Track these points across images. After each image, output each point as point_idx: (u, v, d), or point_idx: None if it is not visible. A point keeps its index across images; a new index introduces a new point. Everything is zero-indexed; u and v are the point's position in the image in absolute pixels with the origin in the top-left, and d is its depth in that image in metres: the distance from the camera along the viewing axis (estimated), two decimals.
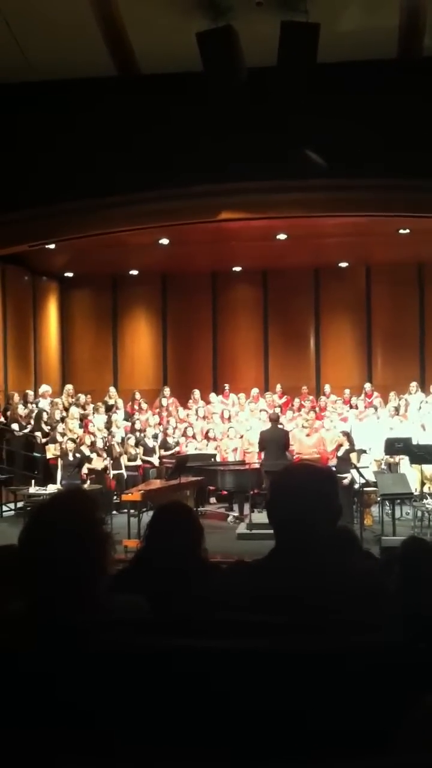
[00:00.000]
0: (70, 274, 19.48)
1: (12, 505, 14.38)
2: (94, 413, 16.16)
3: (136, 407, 17.11)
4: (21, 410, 15.43)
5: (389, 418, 15.33)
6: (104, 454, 14.38)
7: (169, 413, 16.91)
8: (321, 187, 10.61)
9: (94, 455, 14.10)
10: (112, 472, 14.42)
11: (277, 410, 15.40)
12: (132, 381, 19.03)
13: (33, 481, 13.51)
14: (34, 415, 15.50)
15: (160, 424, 16.33)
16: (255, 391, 17.58)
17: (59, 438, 14.14)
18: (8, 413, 15.38)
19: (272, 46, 8.60)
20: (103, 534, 2.18)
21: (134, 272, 19.45)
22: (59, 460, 13.67)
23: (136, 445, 15.22)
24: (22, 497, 13.42)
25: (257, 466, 13.59)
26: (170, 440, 15.60)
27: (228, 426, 15.85)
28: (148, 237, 15.00)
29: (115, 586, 2.52)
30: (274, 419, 13.83)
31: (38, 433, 15.08)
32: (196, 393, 17.52)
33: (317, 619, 2.08)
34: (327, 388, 17.84)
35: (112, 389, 17.65)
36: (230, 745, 1.79)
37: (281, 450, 13.12)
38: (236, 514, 13.80)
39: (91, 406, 16.55)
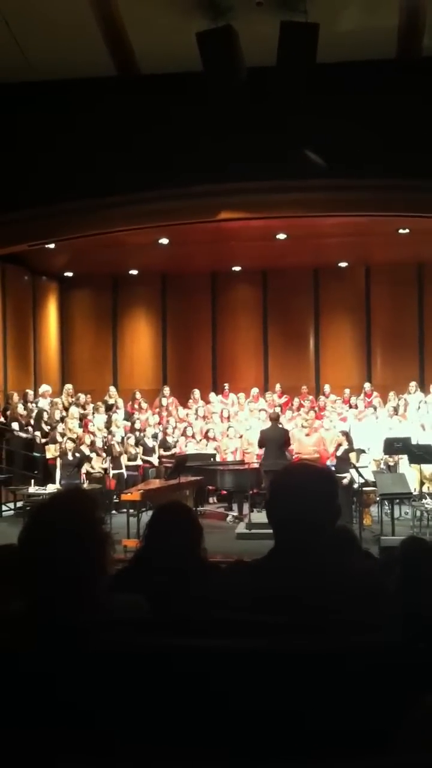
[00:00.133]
0: (69, 274, 19.49)
1: (12, 505, 14.39)
2: (94, 413, 16.17)
3: (136, 407, 17.11)
4: (21, 410, 15.43)
5: (388, 418, 15.34)
6: (104, 454, 14.39)
7: (168, 413, 16.91)
8: (320, 187, 10.61)
9: (93, 455, 14.11)
10: (112, 472, 14.44)
11: (277, 409, 15.40)
12: (131, 381, 19.03)
13: (32, 480, 13.52)
14: (34, 414, 15.51)
15: (159, 423, 16.34)
16: (255, 390, 17.58)
17: (59, 438, 14.14)
18: (8, 413, 15.37)
19: (272, 46, 8.60)
20: (102, 534, 2.18)
21: (134, 272, 19.45)
22: (58, 459, 13.67)
23: (136, 444, 15.22)
24: (21, 497, 13.43)
25: (256, 465, 13.60)
26: (170, 440, 15.60)
27: (227, 425, 15.86)
28: (148, 237, 15.00)
29: (115, 585, 2.52)
30: (275, 418, 13.83)
31: (38, 433, 15.09)
32: (196, 392, 17.52)
33: (317, 619, 2.08)
34: (327, 387, 17.85)
35: (112, 389, 17.66)
36: (230, 745, 1.79)
37: (281, 449, 13.12)
38: (235, 513, 13.81)
39: (91, 405, 16.55)
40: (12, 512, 14.17)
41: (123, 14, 9.19)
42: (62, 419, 15.24)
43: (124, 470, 14.72)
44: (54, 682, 1.87)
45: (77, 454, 13.57)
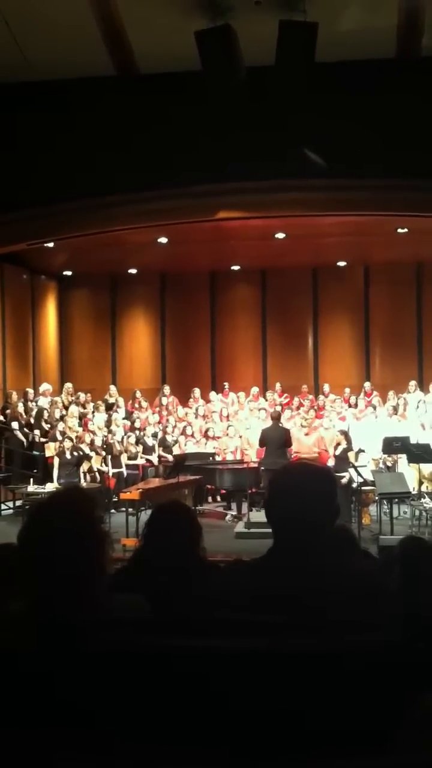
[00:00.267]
0: (68, 273, 19.49)
1: (11, 504, 14.39)
2: (94, 412, 16.17)
3: (136, 406, 17.12)
4: (21, 409, 15.43)
5: (388, 417, 15.34)
6: (103, 453, 14.40)
7: (169, 412, 16.92)
8: (320, 186, 10.60)
9: (93, 453, 14.11)
10: (112, 471, 14.45)
11: (278, 408, 15.39)
12: (131, 380, 19.03)
13: (32, 479, 13.51)
14: (34, 413, 15.51)
15: (159, 422, 16.35)
16: (255, 389, 17.58)
17: (59, 437, 14.14)
18: (7, 412, 15.37)
19: (271, 46, 8.59)
20: (101, 533, 2.18)
21: (133, 271, 19.45)
22: (56, 458, 13.66)
23: (136, 443, 15.24)
24: (20, 496, 13.43)
25: (255, 464, 13.61)
26: (169, 438, 15.61)
27: (227, 424, 15.88)
28: (147, 236, 15.00)
29: (114, 585, 2.52)
30: (275, 417, 13.83)
31: (37, 432, 15.09)
32: (197, 392, 17.54)
33: (316, 619, 2.08)
34: (326, 387, 17.84)
35: (112, 388, 17.67)
36: (230, 745, 1.79)
37: (282, 448, 13.12)
38: (234, 512, 13.82)
39: (92, 404, 16.56)
40: (11, 511, 14.17)
41: (122, 14, 9.18)
42: (62, 418, 15.25)
43: (124, 469, 14.73)
44: (54, 682, 1.87)
45: (75, 453, 13.57)
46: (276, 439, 13.14)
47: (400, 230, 15.30)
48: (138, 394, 17.42)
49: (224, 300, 19.81)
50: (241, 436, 15.33)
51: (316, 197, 11.03)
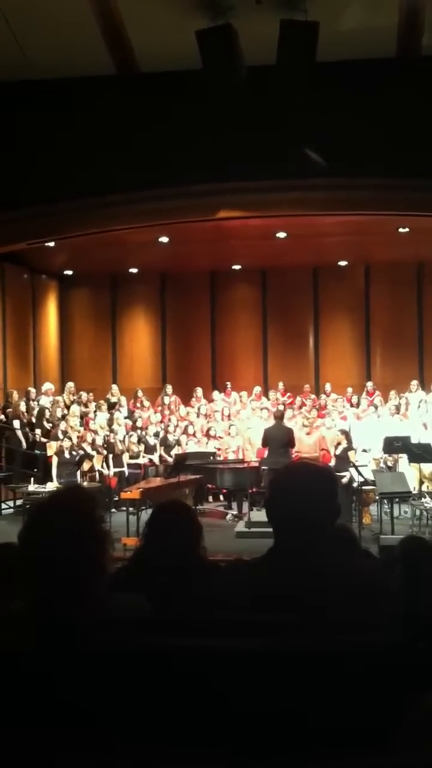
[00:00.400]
0: (69, 273, 19.49)
1: (11, 503, 14.39)
2: (96, 411, 16.18)
3: (138, 405, 17.12)
4: (23, 408, 15.44)
5: (390, 417, 15.34)
6: (104, 452, 14.41)
7: (171, 411, 16.92)
8: (320, 186, 10.60)
9: (94, 453, 14.12)
10: (114, 470, 14.46)
11: (281, 407, 15.39)
12: (131, 379, 19.03)
13: (32, 479, 13.51)
14: (35, 412, 15.51)
15: (162, 422, 16.35)
16: (257, 389, 17.58)
17: (60, 436, 14.14)
18: (8, 411, 15.38)
19: (272, 45, 8.59)
20: (102, 532, 2.18)
21: (133, 271, 19.45)
22: (54, 458, 13.63)
23: (138, 442, 15.25)
24: (21, 495, 13.42)
25: (256, 464, 13.61)
26: (171, 438, 15.61)
27: (229, 424, 15.88)
28: (148, 235, 15.00)
29: (115, 584, 2.52)
30: (279, 416, 13.83)
31: (38, 431, 15.10)
32: (199, 391, 17.55)
33: (316, 619, 2.08)
34: (328, 386, 17.82)
35: (114, 387, 17.66)
36: (230, 745, 1.79)
37: (284, 448, 13.12)
38: (235, 512, 13.82)
39: (94, 404, 16.56)
40: (11, 510, 14.17)
41: (122, 12, 9.18)
42: (64, 417, 15.25)
43: (125, 468, 14.74)
44: (54, 682, 1.87)
45: (74, 453, 13.57)
46: (279, 439, 13.14)
47: (401, 230, 15.30)
48: (140, 393, 17.43)
49: (225, 299, 19.81)
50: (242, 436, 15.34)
51: (317, 197, 11.02)
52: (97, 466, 14.15)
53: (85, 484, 12.87)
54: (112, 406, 16.65)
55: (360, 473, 11.65)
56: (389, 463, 13.43)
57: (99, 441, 14.59)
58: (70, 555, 2.05)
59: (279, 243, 16.42)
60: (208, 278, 19.80)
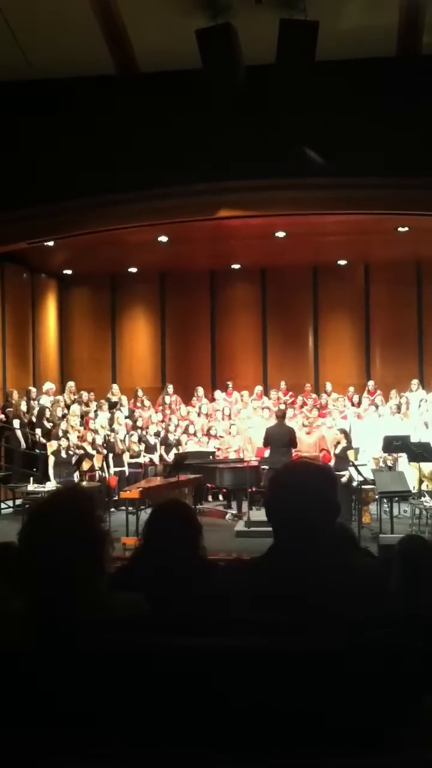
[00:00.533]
0: (69, 272, 19.50)
1: (11, 503, 14.39)
2: (97, 411, 16.18)
3: (138, 404, 17.12)
4: (24, 407, 15.44)
5: (391, 416, 15.34)
6: (104, 451, 14.41)
7: (172, 411, 16.93)
8: (320, 185, 10.60)
9: (95, 452, 14.12)
10: (114, 469, 14.47)
11: (282, 407, 15.39)
12: (131, 379, 19.03)
13: (31, 478, 13.51)
14: (36, 412, 15.51)
15: (163, 421, 16.36)
16: (259, 388, 17.58)
17: (61, 435, 14.14)
18: (8, 410, 15.38)
19: (271, 44, 8.59)
20: (101, 532, 2.18)
21: (133, 270, 19.45)
22: (51, 457, 13.58)
23: (138, 442, 15.26)
24: (20, 495, 13.42)
25: (255, 463, 13.61)
26: (171, 437, 15.61)
27: (229, 423, 15.89)
28: (148, 234, 15.00)
29: (114, 584, 2.52)
30: (280, 416, 13.82)
31: (38, 430, 15.10)
32: (200, 390, 17.56)
33: (316, 618, 2.08)
34: (329, 386, 17.80)
35: (115, 386, 17.66)
36: (230, 745, 1.79)
37: (286, 447, 13.12)
38: (234, 511, 13.82)
39: (95, 403, 16.57)
40: (11, 510, 14.18)
41: (123, 12, 9.18)
42: (64, 417, 15.25)
43: (126, 468, 14.74)
44: (54, 682, 1.87)
45: (71, 453, 13.56)
46: (280, 438, 13.14)
47: (400, 229, 15.30)
48: (140, 393, 17.43)
49: (224, 299, 19.81)
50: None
51: (317, 196, 11.03)
52: (98, 466, 14.14)
53: (84, 483, 12.87)
54: (113, 406, 16.65)
55: (359, 472, 11.65)
56: (389, 463, 13.43)
57: (99, 440, 14.59)
58: (70, 555, 2.05)
59: (278, 242, 16.42)
60: (208, 277, 19.80)
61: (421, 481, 13.24)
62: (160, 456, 15.35)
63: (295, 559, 2.32)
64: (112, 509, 12.97)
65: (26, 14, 8.94)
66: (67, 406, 15.94)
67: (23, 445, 14.98)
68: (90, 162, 10.31)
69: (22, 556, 2.14)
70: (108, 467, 14.50)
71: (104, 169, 10.34)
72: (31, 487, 12.60)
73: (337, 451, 12.85)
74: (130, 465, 14.87)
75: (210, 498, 15.36)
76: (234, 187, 10.71)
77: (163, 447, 15.48)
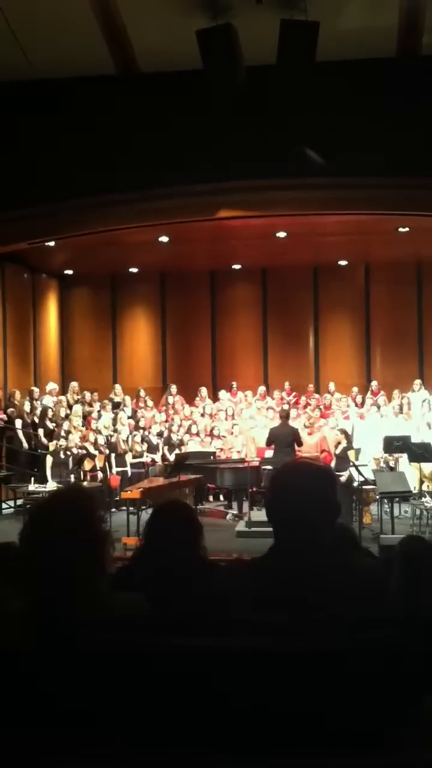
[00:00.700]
0: (69, 272, 19.50)
1: (12, 503, 14.39)
2: (100, 411, 16.18)
3: (141, 405, 17.13)
4: (27, 407, 15.44)
5: (394, 416, 15.34)
6: (107, 451, 14.42)
7: (175, 411, 16.93)
8: (320, 185, 10.61)
9: (97, 453, 14.12)
10: (116, 470, 14.47)
11: (285, 407, 15.39)
12: (132, 379, 19.03)
13: (32, 478, 13.50)
14: (38, 412, 15.51)
15: (166, 421, 16.36)
16: (262, 389, 17.59)
17: (63, 435, 14.13)
18: (9, 411, 15.38)
19: (272, 45, 8.60)
20: (102, 532, 2.18)
21: (134, 270, 19.45)
22: (48, 457, 13.56)
23: (141, 442, 15.26)
24: (21, 495, 13.42)
25: (256, 463, 13.61)
26: (174, 437, 15.62)
27: (232, 423, 15.89)
28: (148, 235, 15.00)
29: (115, 584, 2.52)
30: (284, 416, 13.83)
31: (41, 431, 15.10)
32: (203, 391, 17.58)
33: (317, 618, 2.08)
34: (332, 386, 17.78)
35: (117, 387, 17.65)
36: (230, 745, 1.79)
37: (289, 447, 13.12)
38: (235, 511, 13.82)
39: (98, 403, 16.57)
40: (12, 510, 14.18)
41: (123, 12, 9.19)
42: (67, 417, 15.25)
43: (128, 468, 14.74)
44: (54, 682, 1.87)
45: (68, 453, 13.54)
46: (284, 438, 13.14)
47: (401, 229, 15.30)
48: (142, 393, 17.44)
49: (225, 299, 19.81)
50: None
51: (317, 196, 11.04)
52: (99, 466, 14.14)
53: (85, 483, 12.87)
54: (116, 406, 16.66)
55: (360, 473, 11.64)
56: (391, 463, 13.42)
57: (101, 441, 14.59)
58: (71, 555, 2.05)
59: (279, 242, 16.42)
60: (208, 278, 19.80)
61: (421, 482, 13.23)
62: (163, 456, 15.35)
63: (296, 559, 2.32)
64: (113, 509, 12.97)
65: (26, 14, 8.94)
66: (70, 406, 15.94)
67: (25, 445, 14.98)
68: (90, 162, 10.31)
69: (23, 556, 2.14)
70: (110, 467, 14.49)
71: (105, 169, 10.35)
72: (32, 487, 12.60)
73: (338, 451, 12.85)
74: (132, 465, 14.88)
75: (211, 498, 15.36)
76: (234, 187, 10.71)
77: (166, 447, 15.48)
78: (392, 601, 2.90)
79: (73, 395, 16.80)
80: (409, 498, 12.13)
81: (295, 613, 2.10)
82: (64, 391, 17.31)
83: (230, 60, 8.70)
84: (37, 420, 15.42)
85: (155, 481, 13.04)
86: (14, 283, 17.25)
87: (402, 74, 9.96)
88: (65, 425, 14.55)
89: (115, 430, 15.17)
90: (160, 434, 15.73)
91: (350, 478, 11.88)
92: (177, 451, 15.08)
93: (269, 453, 13.64)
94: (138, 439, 15.24)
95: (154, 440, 15.48)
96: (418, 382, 16.87)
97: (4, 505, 14.33)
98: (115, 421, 15.64)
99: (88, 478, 13.51)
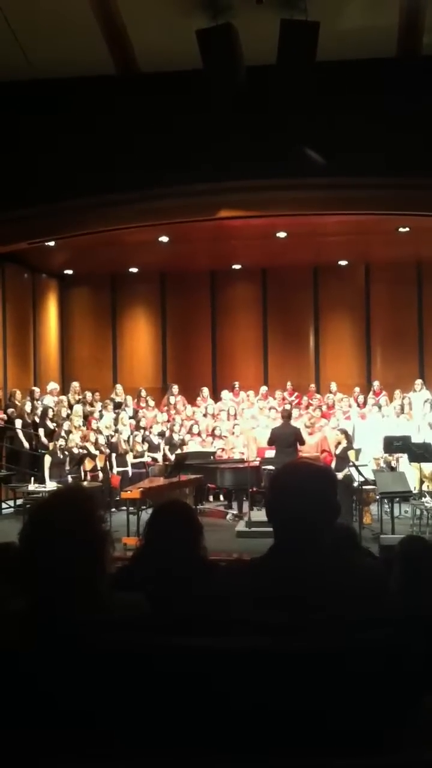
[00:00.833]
0: (69, 272, 19.50)
1: (11, 503, 14.39)
2: (102, 411, 16.18)
3: (142, 405, 17.13)
4: (28, 407, 15.44)
5: (395, 417, 15.33)
6: (107, 451, 14.41)
7: (177, 411, 16.94)
8: (320, 185, 10.61)
9: (97, 452, 14.12)
10: (117, 469, 14.47)
11: (287, 407, 15.38)
12: (132, 379, 19.03)
13: (33, 478, 13.49)
14: (39, 412, 15.51)
15: (168, 421, 16.37)
16: (264, 388, 17.59)
17: (64, 435, 14.13)
18: (10, 411, 15.38)
19: (272, 45, 8.60)
20: (102, 532, 2.18)
21: (134, 270, 19.45)
22: (47, 457, 13.54)
23: (142, 442, 15.26)
24: (21, 495, 13.42)
25: (256, 463, 13.61)
26: (176, 437, 15.62)
27: (233, 423, 15.89)
28: (148, 235, 15.00)
29: (115, 584, 2.52)
30: (286, 416, 13.82)
31: (41, 430, 15.09)
32: (205, 391, 17.58)
33: (317, 618, 2.08)
34: (333, 386, 17.76)
35: (119, 387, 17.65)
36: (230, 745, 1.79)
37: (291, 447, 13.11)
38: (235, 511, 13.82)
39: (100, 403, 16.57)
40: (12, 510, 14.18)
41: (123, 12, 9.19)
42: (68, 417, 15.25)
43: (129, 468, 14.74)
44: (54, 682, 1.87)
45: (66, 453, 13.53)
46: (285, 438, 13.14)
47: (401, 229, 15.30)
48: (143, 393, 17.44)
49: (225, 299, 19.81)
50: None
51: (317, 196, 11.04)
52: (100, 466, 14.14)
53: (85, 483, 12.86)
54: (117, 406, 16.66)
55: (360, 473, 11.64)
56: (393, 464, 13.42)
57: (102, 440, 14.59)
58: (70, 555, 2.05)
59: (279, 242, 16.42)
60: (209, 278, 19.80)
61: (421, 482, 13.22)
62: (164, 455, 15.35)
63: (296, 559, 2.32)
64: (113, 509, 12.96)
65: (27, 14, 8.94)
66: (71, 406, 15.94)
67: (26, 445, 14.98)
68: (90, 162, 10.31)
69: (23, 556, 2.14)
70: (111, 467, 14.49)
71: (105, 169, 10.35)
72: (32, 487, 12.59)
73: (338, 451, 12.85)
74: (133, 465, 14.88)
75: (212, 498, 15.36)
76: (234, 187, 10.72)
77: (167, 447, 15.48)
78: (392, 601, 2.90)
79: (74, 395, 16.80)
80: (409, 498, 12.12)
81: (295, 613, 2.10)
82: (64, 391, 17.31)
83: (230, 60, 8.70)
84: (37, 420, 15.42)
85: (155, 481, 13.03)
86: (14, 283, 17.25)
87: (402, 74, 9.96)
88: (65, 425, 14.55)
89: (116, 430, 15.17)
90: (161, 434, 15.73)
91: (349, 478, 11.87)
92: (179, 451, 15.09)
93: (269, 453, 13.63)
94: (139, 439, 15.24)
95: (155, 440, 15.49)
96: (419, 381, 16.86)
97: (4, 505, 14.32)
98: (116, 421, 15.65)
99: (89, 477, 13.51)
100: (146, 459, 15.15)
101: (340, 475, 11.64)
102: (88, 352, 19.66)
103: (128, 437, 15.22)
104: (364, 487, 11.82)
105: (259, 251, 17.70)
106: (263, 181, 10.47)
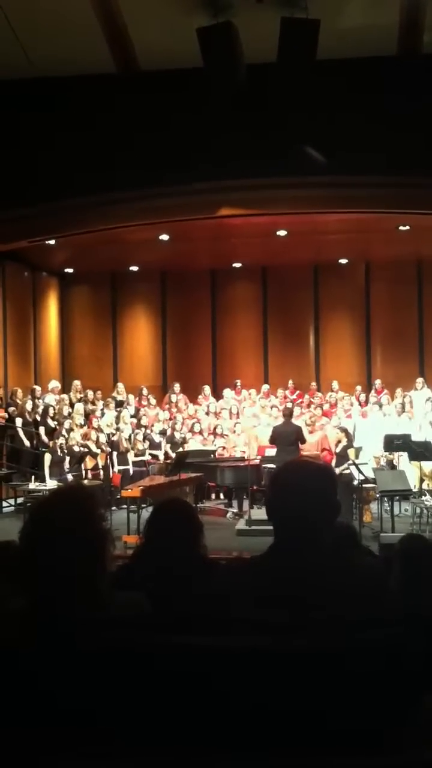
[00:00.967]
0: (70, 271, 19.50)
1: (12, 501, 14.40)
2: (103, 409, 16.18)
3: (144, 403, 17.14)
4: (29, 406, 15.45)
5: (397, 415, 15.33)
6: (109, 449, 14.41)
7: (178, 409, 16.94)
8: (321, 183, 10.59)
9: (99, 450, 14.12)
10: (118, 468, 14.47)
11: (289, 405, 15.39)
12: (132, 377, 19.05)
13: (33, 477, 13.50)
14: (40, 410, 15.52)
15: (170, 419, 16.38)
16: (266, 387, 17.59)
17: (65, 434, 14.14)
18: (11, 409, 15.38)
19: (272, 43, 8.58)
20: (102, 530, 2.18)
21: (134, 269, 19.45)
22: (47, 456, 13.54)
23: (143, 440, 15.27)
24: (22, 493, 13.43)
25: (256, 462, 13.62)
26: (177, 435, 15.62)
27: (234, 422, 15.91)
28: (149, 233, 15.01)
29: (115, 583, 2.52)
30: (287, 414, 13.83)
31: (42, 429, 15.10)
32: (207, 389, 17.58)
33: (317, 617, 2.08)
34: (335, 384, 17.76)
35: (120, 385, 17.67)
36: (230, 744, 1.79)
37: (293, 445, 13.12)
38: (235, 510, 13.82)
39: (101, 402, 16.58)
40: (12, 508, 14.18)
41: (123, 10, 9.17)
42: (69, 415, 15.25)
43: (130, 466, 14.75)
44: (54, 680, 1.87)
45: (65, 451, 13.53)
46: (287, 437, 13.15)
47: (401, 227, 15.31)
48: (145, 391, 17.45)
49: (225, 297, 19.82)
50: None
51: (317, 194, 11.03)
52: (101, 464, 14.15)
53: (86, 481, 12.87)
54: (119, 405, 16.67)
55: (360, 471, 11.65)
56: (394, 462, 13.42)
57: (103, 439, 14.59)
58: (71, 553, 2.05)
59: (280, 241, 16.42)
60: (209, 276, 19.81)
61: (422, 480, 13.22)
62: (166, 454, 15.36)
63: (296, 558, 2.32)
64: (114, 507, 12.97)
65: (27, 13, 8.93)
66: (72, 405, 15.95)
67: (27, 443, 14.98)
68: (90, 160, 10.30)
69: (23, 554, 2.14)
70: (112, 465, 14.50)
71: (105, 167, 10.33)
72: (33, 485, 12.60)
73: (338, 449, 12.86)
74: (134, 463, 14.88)
75: (212, 496, 15.37)
76: (235, 185, 10.70)
77: (169, 445, 15.49)
78: (392, 600, 2.90)
79: (75, 393, 16.81)
80: (409, 496, 12.13)
81: (295, 612, 2.10)
82: (65, 389, 17.31)
83: (231, 58, 8.69)
84: (38, 418, 15.43)
85: (156, 479, 13.04)
86: (14, 282, 17.26)
87: (403, 72, 9.94)
88: (66, 423, 14.55)
89: (118, 429, 15.18)
90: (163, 432, 15.73)
91: (348, 476, 11.88)
92: (180, 449, 15.10)
93: (270, 451, 13.64)
94: (140, 437, 15.25)
95: (157, 438, 15.50)
96: (420, 380, 16.87)
97: (4, 504, 14.33)
98: (117, 419, 15.65)
99: (90, 476, 13.52)
100: (147, 457, 15.16)
101: (338, 471, 11.64)
102: (89, 351, 19.67)
103: (129, 435, 15.23)
104: (364, 485, 11.83)
105: (259, 249, 17.71)
106: (263, 180, 10.46)
